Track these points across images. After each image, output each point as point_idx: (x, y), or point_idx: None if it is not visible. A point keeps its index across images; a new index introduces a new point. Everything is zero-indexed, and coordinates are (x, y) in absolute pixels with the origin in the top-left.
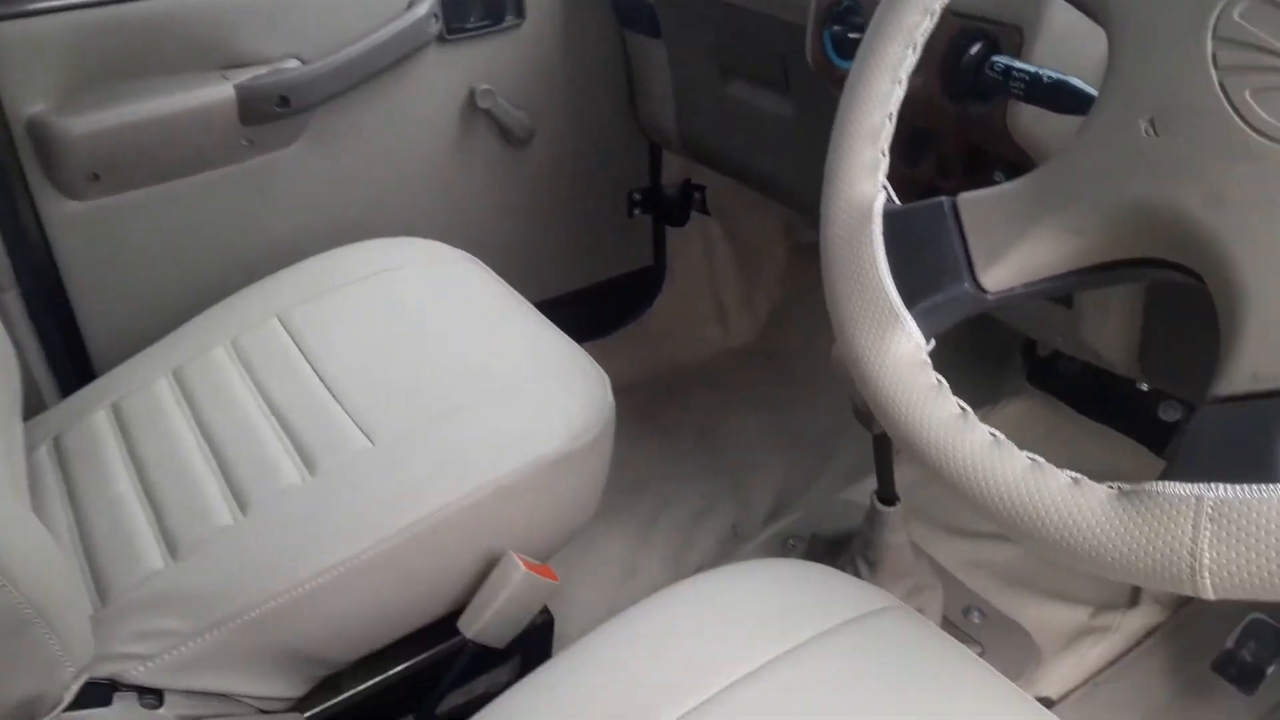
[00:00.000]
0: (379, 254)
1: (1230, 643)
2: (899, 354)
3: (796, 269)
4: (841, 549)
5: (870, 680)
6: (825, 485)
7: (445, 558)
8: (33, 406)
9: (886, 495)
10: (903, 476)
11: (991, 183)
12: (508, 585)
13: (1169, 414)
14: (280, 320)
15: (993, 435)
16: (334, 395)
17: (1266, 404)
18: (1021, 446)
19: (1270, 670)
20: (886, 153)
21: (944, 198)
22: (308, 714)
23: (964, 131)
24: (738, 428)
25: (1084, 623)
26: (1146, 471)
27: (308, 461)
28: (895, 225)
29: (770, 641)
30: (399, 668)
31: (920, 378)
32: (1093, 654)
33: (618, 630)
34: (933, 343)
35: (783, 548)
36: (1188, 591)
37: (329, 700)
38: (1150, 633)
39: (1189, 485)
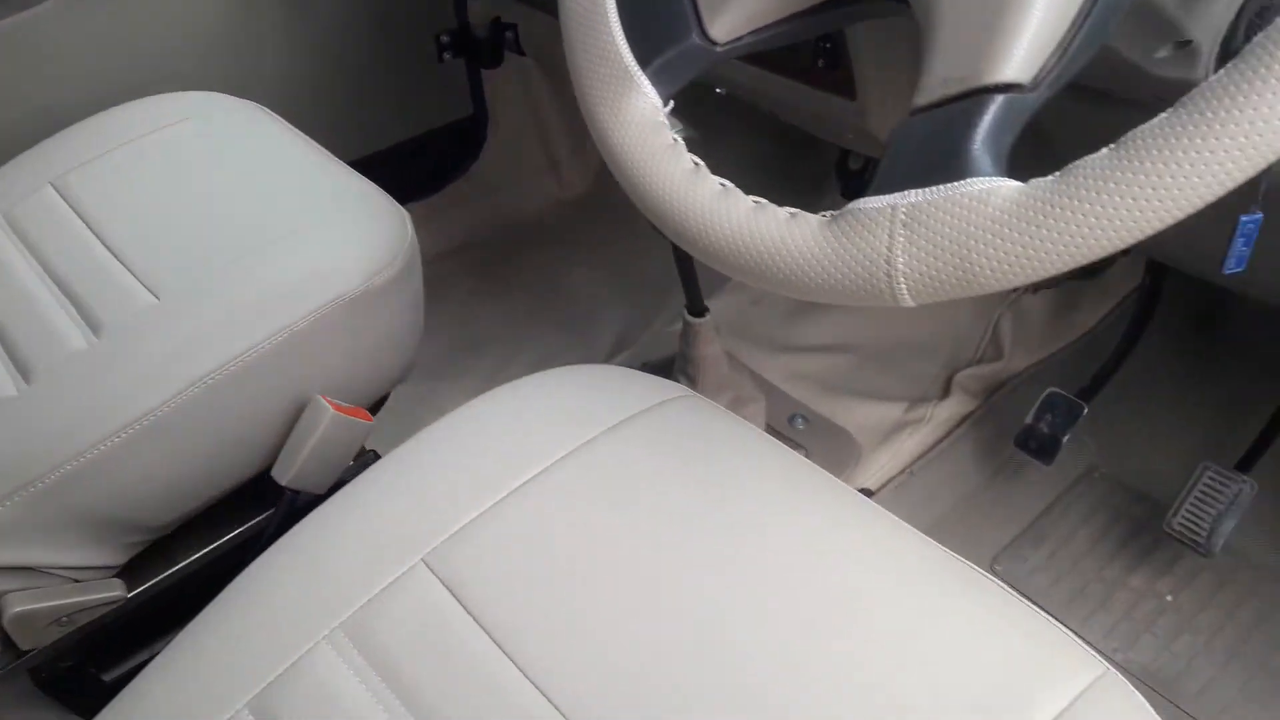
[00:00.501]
0: (157, 110)
1: (1029, 418)
2: (635, 115)
3: None
4: (667, 371)
5: (661, 462)
6: (660, 324)
7: (248, 409)
8: None
9: (695, 308)
10: (725, 303)
11: None
12: (317, 428)
13: None
14: (55, 188)
15: (722, 184)
16: (116, 256)
17: (954, 107)
18: None
19: (1065, 439)
20: None
21: None
22: (139, 588)
23: None
24: (577, 280)
25: (899, 417)
26: None
27: (92, 324)
28: None
29: (560, 441)
30: (232, 533)
31: (656, 138)
32: (908, 445)
33: (406, 454)
34: (671, 104)
35: None
36: (889, 303)
37: (162, 571)
38: (961, 421)
39: (884, 197)
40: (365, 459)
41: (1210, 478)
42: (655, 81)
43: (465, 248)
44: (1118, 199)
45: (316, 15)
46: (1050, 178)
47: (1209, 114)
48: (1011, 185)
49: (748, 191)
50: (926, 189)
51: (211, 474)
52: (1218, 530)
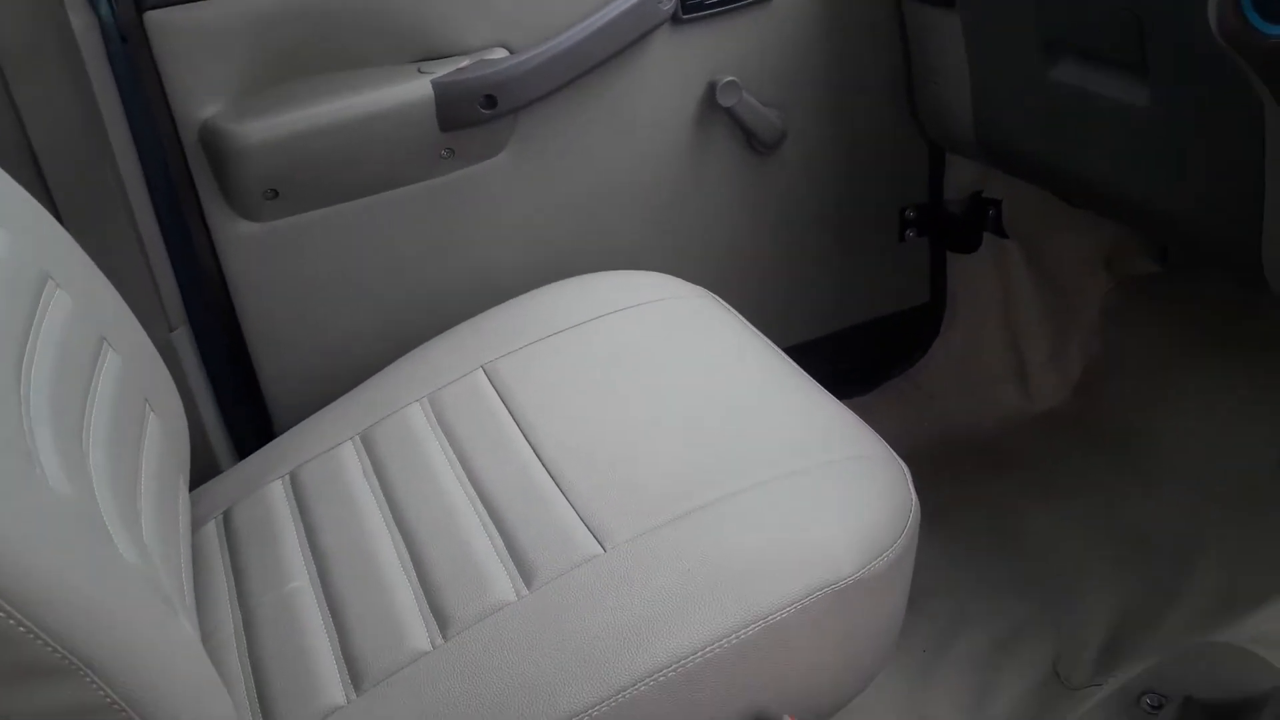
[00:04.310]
0: (601, 292)
1: None
2: None
3: (1123, 310)
4: None
5: None
6: (1183, 617)
7: (692, 714)
8: (202, 470)
9: None
10: None
11: None
12: None
13: None
14: (486, 374)
15: None
16: (554, 479)
17: None
18: None
19: None
20: None
21: None
22: None
23: None
24: (1049, 523)
25: None
26: None
27: (523, 570)
28: None
29: None
30: None
31: None
32: None
33: None
34: None
35: (1134, 708)
36: None
37: None
38: None
39: None
40: None
41: None
42: None
43: None
44: None
45: (767, 187)
46: None
47: None
48: None
49: None
50: None
51: None
52: None
